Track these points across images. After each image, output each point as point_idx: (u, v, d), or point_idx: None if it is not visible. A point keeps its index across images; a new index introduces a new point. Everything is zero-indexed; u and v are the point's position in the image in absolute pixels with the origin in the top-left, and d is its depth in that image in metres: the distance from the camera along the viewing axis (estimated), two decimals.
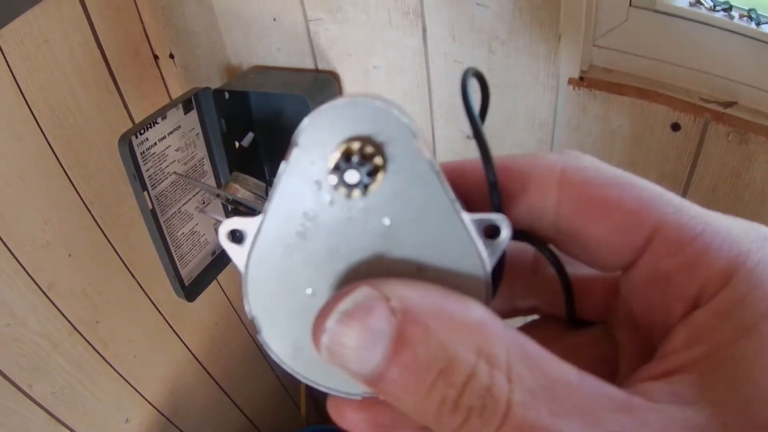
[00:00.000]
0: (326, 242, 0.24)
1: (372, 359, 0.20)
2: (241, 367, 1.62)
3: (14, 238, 0.93)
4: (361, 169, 0.23)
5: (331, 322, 0.21)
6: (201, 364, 1.47)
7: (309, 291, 0.25)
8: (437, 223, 0.24)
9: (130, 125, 1.08)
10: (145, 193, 0.91)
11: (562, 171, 0.24)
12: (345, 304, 0.21)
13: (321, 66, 0.98)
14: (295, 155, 0.23)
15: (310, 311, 0.23)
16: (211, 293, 1.39)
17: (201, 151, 1.04)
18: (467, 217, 0.24)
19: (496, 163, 0.24)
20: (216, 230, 0.73)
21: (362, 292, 0.21)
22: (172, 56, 1.13)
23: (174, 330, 1.34)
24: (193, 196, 1.04)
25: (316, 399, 1.91)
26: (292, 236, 0.24)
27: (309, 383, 0.25)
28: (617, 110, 0.79)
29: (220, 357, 1.53)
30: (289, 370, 0.25)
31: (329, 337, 0.21)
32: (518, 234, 0.25)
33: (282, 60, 1.01)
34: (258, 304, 0.25)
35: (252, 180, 0.93)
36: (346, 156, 0.22)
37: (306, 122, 0.23)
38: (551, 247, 0.26)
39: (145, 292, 1.22)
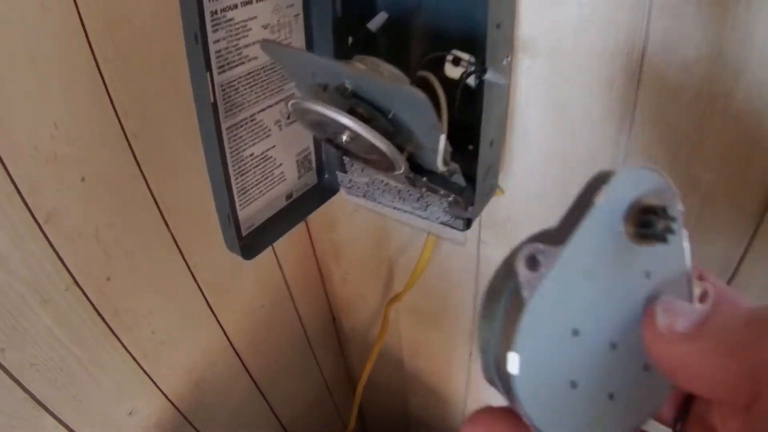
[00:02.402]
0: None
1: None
2: (283, 362, 1.37)
3: (8, 140, 0.67)
4: (662, 222, 0.29)
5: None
6: (239, 356, 1.19)
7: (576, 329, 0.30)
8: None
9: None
10: (207, 74, 0.61)
11: None
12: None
13: None
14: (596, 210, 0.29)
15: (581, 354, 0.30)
16: (263, 263, 1.13)
17: (297, 39, 0.72)
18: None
19: None
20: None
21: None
22: None
23: (210, 306, 1.05)
24: (277, 102, 0.72)
25: (366, 417, 1.69)
26: (579, 277, 0.29)
27: None
28: None
29: (260, 348, 1.26)
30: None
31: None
32: None
33: None
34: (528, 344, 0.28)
35: (387, 66, 0.60)
36: (646, 210, 0.30)
37: (607, 183, 0.29)
38: None
39: (179, 249, 0.94)
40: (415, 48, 0.74)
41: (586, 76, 0.68)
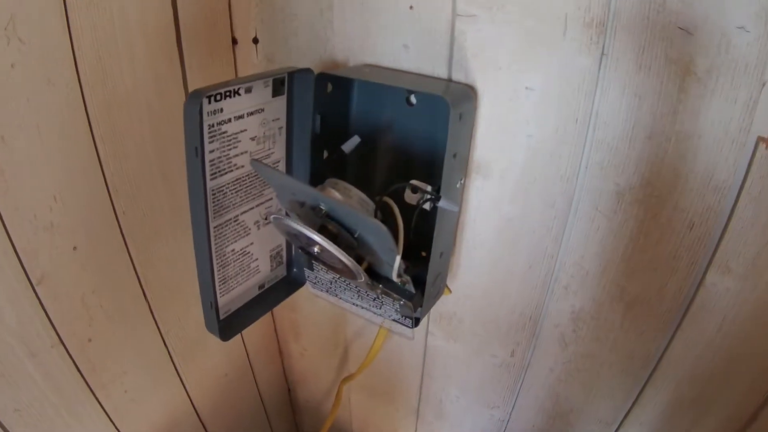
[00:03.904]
0: None
1: None
2: (241, 429, 1.39)
3: (11, 205, 0.71)
4: None
5: None
6: (200, 420, 1.23)
7: None
8: None
9: None
10: (203, 181, 0.69)
11: None
12: None
13: (456, 76, 0.76)
14: None
15: None
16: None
17: (279, 151, 0.81)
18: None
19: None
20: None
21: None
22: (256, 41, 0.92)
23: (177, 371, 1.11)
24: (257, 205, 0.80)
25: None
26: None
27: None
28: None
29: (221, 415, 1.29)
30: None
31: None
32: None
33: (405, 62, 0.79)
34: None
35: (356, 192, 0.69)
36: None
37: None
38: None
39: (154, 318, 1.00)
40: (380, 166, 0.82)
41: (530, 197, 0.77)
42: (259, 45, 0.92)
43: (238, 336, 1.22)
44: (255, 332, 1.29)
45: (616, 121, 0.68)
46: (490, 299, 0.90)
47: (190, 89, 0.87)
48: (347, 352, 1.25)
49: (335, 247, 0.61)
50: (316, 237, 0.61)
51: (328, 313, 1.20)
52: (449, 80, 0.76)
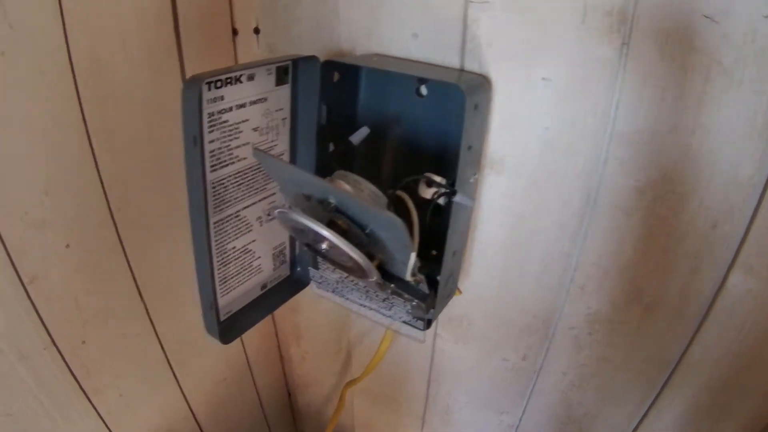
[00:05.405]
0: None
1: None
2: None
3: (1, 202, 0.68)
4: None
5: None
6: (198, 425, 1.20)
7: None
8: None
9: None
10: (201, 173, 0.65)
11: None
12: None
13: (469, 66, 0.73)
14: None
15: None
16: None
17: (283, 143, 0.77)
18: None
19: None
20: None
21: None
22: (257, 31, 0.89)
23: (174, 374, 1.07)
24: (260, 200, 0.77)
25: None
26: None
27: None
28: None
29: (220, 421, 1.26)
30: None
31: None
32: None
33: (415, 51, 0.76)
34: None
35: (367, 184, 0.65)
36: None
37: None
38: None
39: (151, 320, 0.96)
40: (388, 161, 0.79)
41: (546, 194, 0.74)
42: (260, 35, 0.88)
43: (238, 339, 1.18)
44: (255, 335, 1.25)
45: (637, 114, 0.65)
46: (503, 300, 0.87)
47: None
48: (350, 356, 1.23)
49: (346, 243, 0.58)
50: (326, 233, 0.57)
51: (332, 315, 1.17)
52: (461, 70, 0.73)
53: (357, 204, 0.59)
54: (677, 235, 0.68)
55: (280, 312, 1.22)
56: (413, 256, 0.60)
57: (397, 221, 0.53)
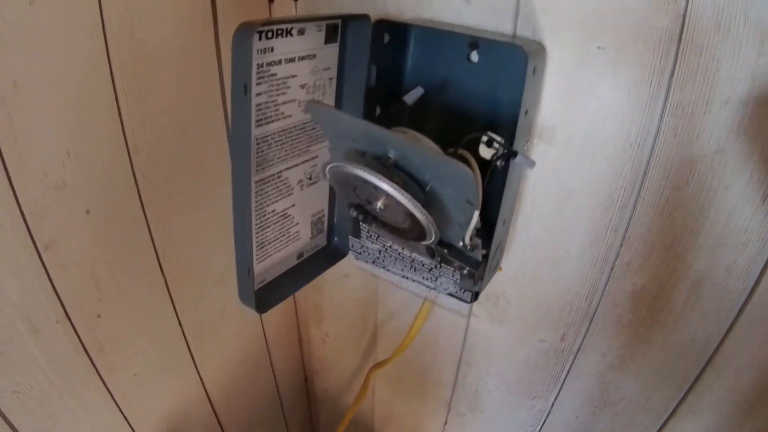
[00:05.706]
0: None
1: None
2: (253, 419, 1.33)
3: (19, 159, 0.64)
4: None
5: None
6: (212, 407, 1.17)
7: None
8: None
9: (215, 67, 0.81)
10: (250, 126, 0.62)
11: None
12: None
13: (522, 32, 0.70)
14: None
15: None
16: (246, 317, 1.14)
17: (328, 103, 0.74)
18: None
19: None
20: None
21: None
22: None
23: (191, 353, 1.04)
24: (302, 162, 0.74)
25: None
26: None
27: None
28: None
29: (235, 402, 1.23)
30: None
31: None
32: None
33: (466, 17, 0.73)
34: None
35: (427, 140, 0.62)
36: None
37: None
38: None
39: (170, 294, 0.93)
40: (434, 128, 0.76)
41: (597, 165, 0.72)
42: (299, 2, 0.86)
43: (257, 319, 1.16)
44: (276, 315, 1.23)
45: (692, 85, 0.63)
46: (543, 278, 0.85)
47: (222, 50, 0.81)
48: (375, 338, 1.20)
49: (408, 197, 0.55)
50: (387, 186, 0.55)
51: (358, 294, 1.14)
52: (514, 36, 0.71)
53: (423, 155, 0.56)
54: (728, 207, 0.66)
55: (302, 291, 1.20)
56: (476, 215, 0.57)
57: (468, 171, 0.51)
